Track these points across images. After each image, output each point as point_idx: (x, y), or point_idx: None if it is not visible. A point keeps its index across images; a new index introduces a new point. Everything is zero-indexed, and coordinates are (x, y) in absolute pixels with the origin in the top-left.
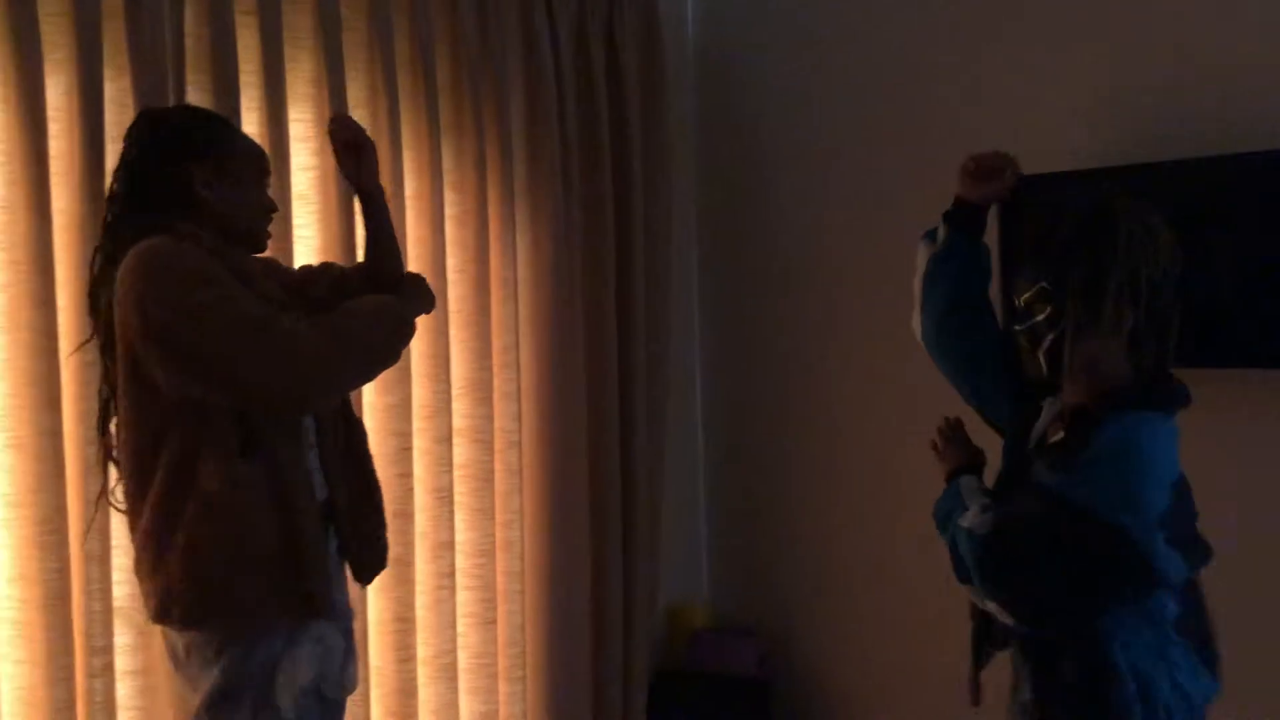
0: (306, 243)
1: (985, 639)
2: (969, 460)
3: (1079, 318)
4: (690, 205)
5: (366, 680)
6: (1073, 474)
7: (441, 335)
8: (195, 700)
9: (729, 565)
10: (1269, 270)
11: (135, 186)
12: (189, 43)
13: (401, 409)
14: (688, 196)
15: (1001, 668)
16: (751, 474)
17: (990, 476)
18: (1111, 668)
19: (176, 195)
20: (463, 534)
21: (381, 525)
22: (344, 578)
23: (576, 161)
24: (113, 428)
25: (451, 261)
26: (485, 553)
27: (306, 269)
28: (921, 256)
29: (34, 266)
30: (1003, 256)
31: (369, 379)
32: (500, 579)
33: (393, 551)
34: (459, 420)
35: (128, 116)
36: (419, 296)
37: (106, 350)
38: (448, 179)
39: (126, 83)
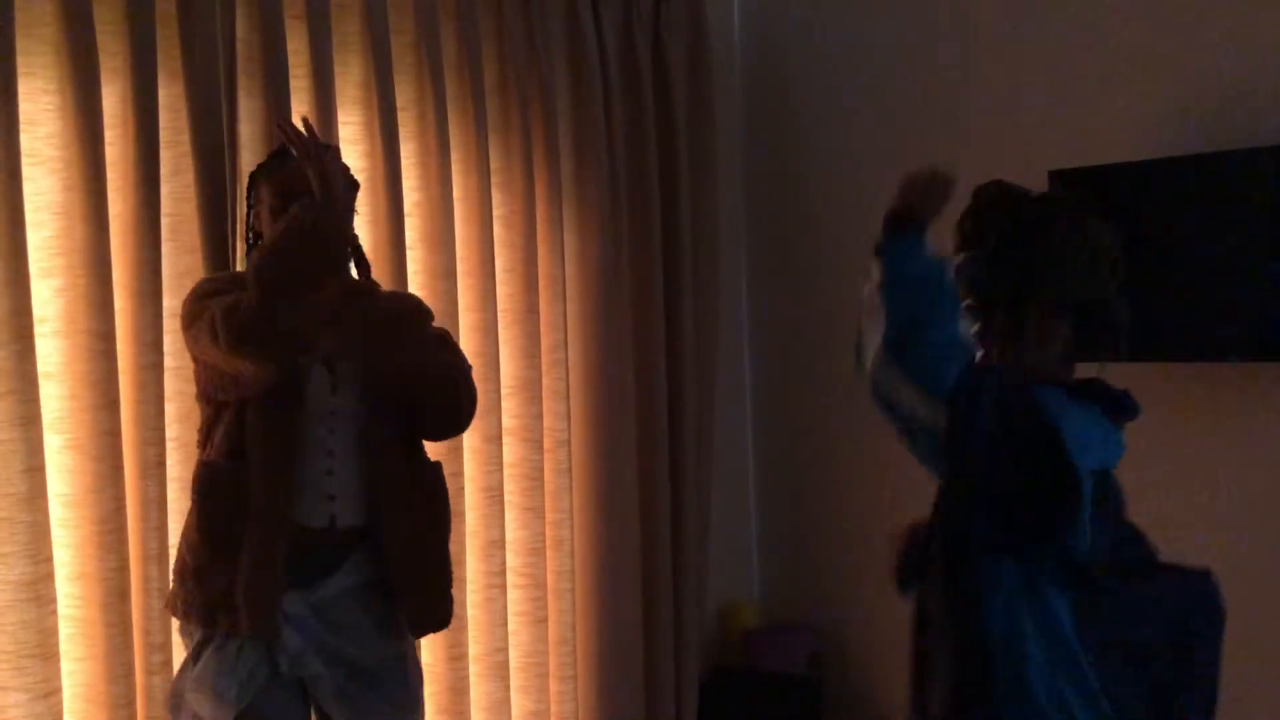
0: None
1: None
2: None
3: (1005, 333)
4: (738, 203)
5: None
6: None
7: (490, 335)
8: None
9: (779, 563)
10: None
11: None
12: (240, 48)
13: None
14: (735, 195)
15: None
16: (801, 471)
17: None
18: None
19: (250, 226)
20: (513, 532)
21: (438, 574)
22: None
23: (623, 161)
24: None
25: (500, 261)
26: (536, 551)
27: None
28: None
29: (91, 271)
30: None
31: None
32: (551, 577)
33: None
34: (508, 419)
35: (181, 122)
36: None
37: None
38: (495, 179)
39: (179, 88)
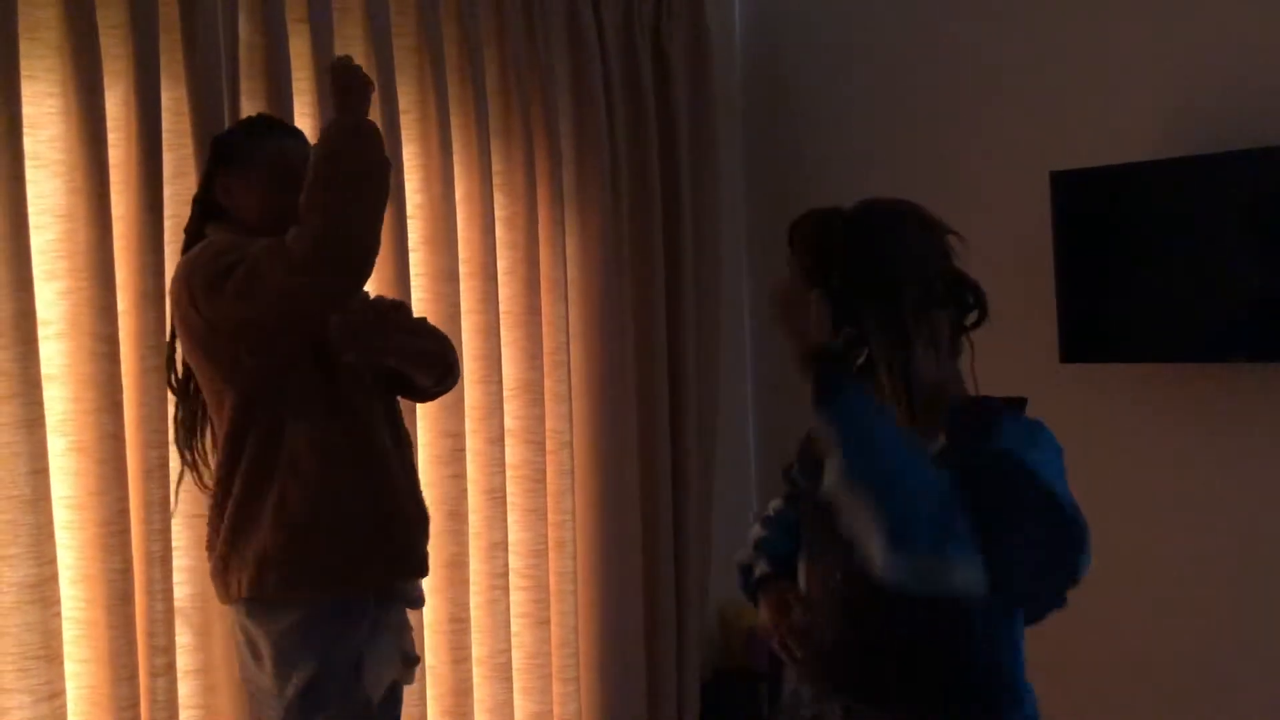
0: None
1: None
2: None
3: (894, 345)
4: (740, 204)
5: (422, 680)
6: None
7: (493, 337)
8: (282, 690)
9: None
10: None
11: (194, 199)
12: (242, 51)
13: (454, 410)
14: (737, 195)
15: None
16: None
17: None
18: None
19: (210, 203)
20: (516, 534)
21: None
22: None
23: (624, 162)
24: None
25: (502, 264)
26: (538, 553)
27: None
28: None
29: (94, 273)
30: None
31: (370, 210)
32: (553, 579)
33: (447, 552)
34: (511, 421)
35: (184, 124)
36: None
37: (175, 361)
38: (497, 181)
39: (182, 91)
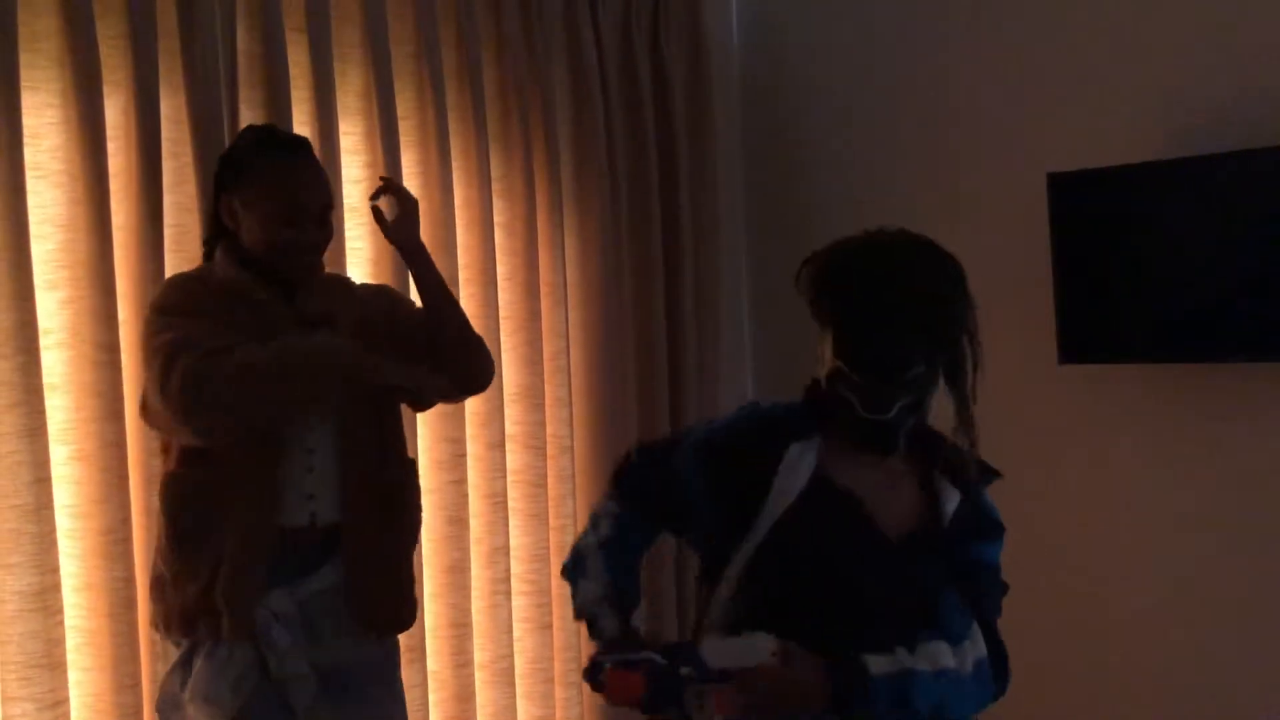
0: (359, 254)
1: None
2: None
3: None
4: (739, 209)
5: (424, 685)
6: (993, 540)
7: (493, 342)
8: None
9: None
10: None
11: (203, 214)
12: (241, 60)
13: (454, 415)
14: (735, 201)
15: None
16: None
17: None
18: None
19: (217, 225)
20: (517, 539)
21: (400, 573)
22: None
23: (623, 168)
24: None
25: (501, 269)
26: (540, 558)
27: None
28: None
29: (95, 282)
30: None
31: (277, 419)
32: (555, 584)
33: (448, 558)
34: (511, 426)
35: (183, 133)
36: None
37: None
38: (496, 187)
39: (181, 100)
